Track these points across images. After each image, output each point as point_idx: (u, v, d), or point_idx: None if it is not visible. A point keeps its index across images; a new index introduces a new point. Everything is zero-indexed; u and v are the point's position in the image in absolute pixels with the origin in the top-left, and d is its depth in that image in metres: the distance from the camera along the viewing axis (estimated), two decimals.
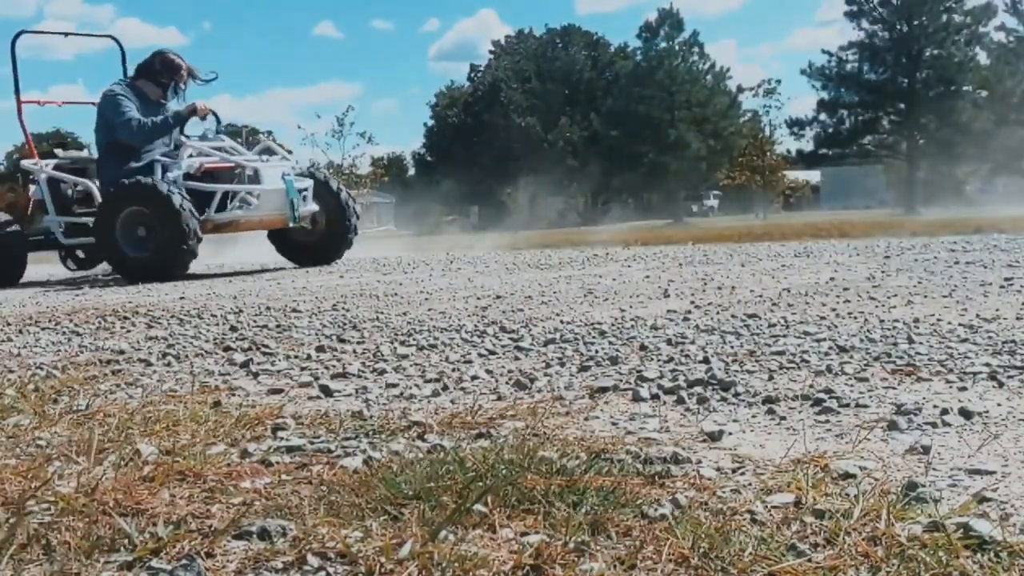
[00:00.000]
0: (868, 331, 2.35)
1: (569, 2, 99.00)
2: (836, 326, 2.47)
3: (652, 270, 5.04)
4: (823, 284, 3.73)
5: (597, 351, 2.24)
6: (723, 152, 46.26)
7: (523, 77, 54.14)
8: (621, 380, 1.88)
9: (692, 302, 3.24)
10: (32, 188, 7.08)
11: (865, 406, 1.56)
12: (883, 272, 4.21)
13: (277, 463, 1.32)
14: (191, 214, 5.97)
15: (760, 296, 3.35)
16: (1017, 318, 2.48)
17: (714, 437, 1.40)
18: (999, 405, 1.54)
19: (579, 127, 51.33)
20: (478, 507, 1.04)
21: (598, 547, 0.94)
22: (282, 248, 7.32)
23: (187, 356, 2.47)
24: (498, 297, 3.74)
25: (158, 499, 1.13)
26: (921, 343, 2.14)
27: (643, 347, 2.27)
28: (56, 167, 6.96)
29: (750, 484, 1.15)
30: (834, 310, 2.83)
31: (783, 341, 2.26)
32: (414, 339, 2.58)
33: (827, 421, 1.49)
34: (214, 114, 6.75)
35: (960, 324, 2.41)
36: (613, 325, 2.68)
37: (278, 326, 3.02)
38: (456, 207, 47.20)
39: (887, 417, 1.47)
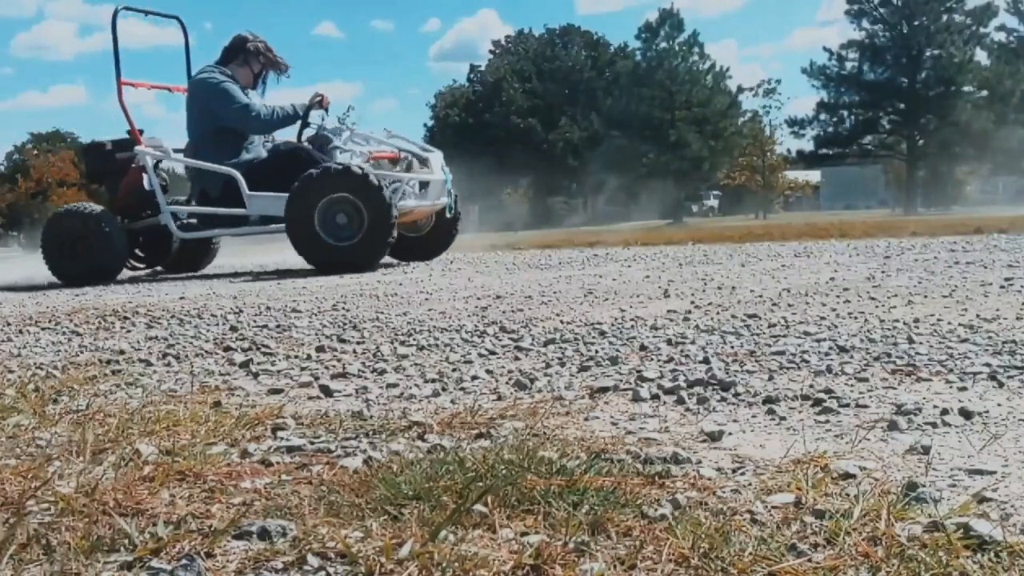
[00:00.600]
0: (868, 331, 2.35)
1: (569, 2, 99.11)
2: (836, 326, 2.47)
3: (652, 270, 5.04)
4: (823, 284, 3.73)
5: (597, 351, 2.24)
6: (723, 152, 46.23)
7: (523, 77, 54.14)
8: (621, 380, 1.88)
9: (692, 302, 3.24)
10: (144, 178, 6.47)
11: (865, 406, 1.56)
12: (883, 272, 4.21)
13: (277, 463, 1.32)
14: (392, 203, 5.78)
15: (760, 296, 3.35)
16: (1017, 318, 2.48)
17: (714, 437, 1.40)
18: (999, 405, 1.54)
19: (579, 127, 51.33)
20: (478, 507, 1.04)
21: (598, 547, 0.94)
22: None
23: (187, 356, 2.47)
24: (498, 297, 3.74)
25: (158, 499, 1.13)
26: (921, 343, 2.14)
27: (643, 347, 2.27)
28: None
29: (750, 484, 1.14)
30: (834, 310, 2.83)
31: (783, 341, 2.26)
32: (414, 339, 2.58)
33: (827, 421, 1.49)
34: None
35: (960, 324, 2.41)
36: (613, 325, 2.68)
37: (278, 326, 3.02)
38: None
39: (887, 417, 1.47)
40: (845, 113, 44.85)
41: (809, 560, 0.89)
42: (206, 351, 2.55)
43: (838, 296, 3.23)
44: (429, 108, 57.66)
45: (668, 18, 45.53)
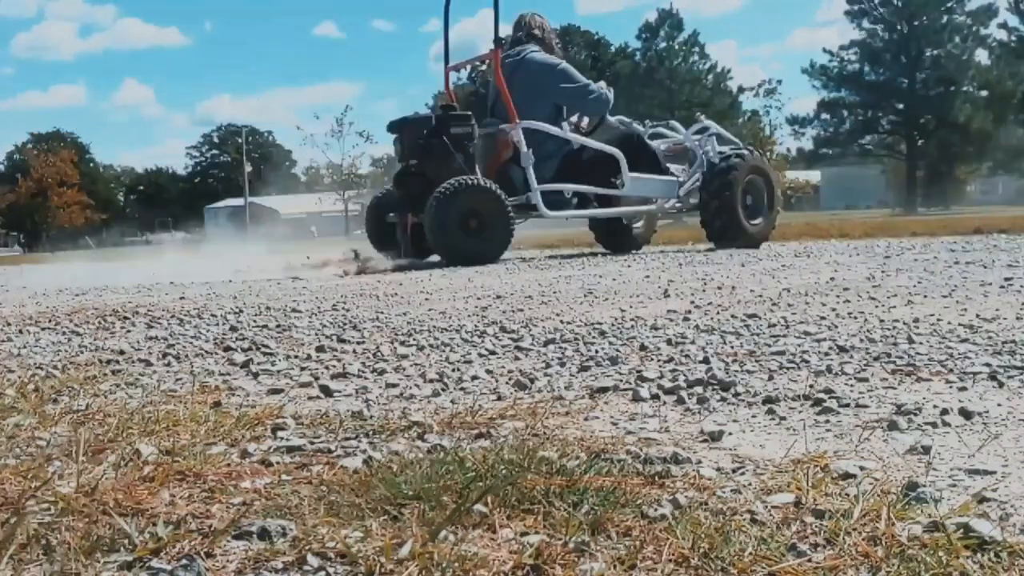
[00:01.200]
0: (868, 331, 2.35)
1: (569, 2, 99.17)
2: (836, 326, 2.47)
3: (652, 270, 5.04)
4: (823, 284, 3.73)
5: (597, 351, 2.24)
6: None
7: None
8: (621, 380, 1.88)
9: (692, 302, 3.24)
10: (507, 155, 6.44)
11: (865, 406, 1.56)
12: (883, 272, 4.21)
13: (277, 463, 1.31)
14: None
15: (760, 296, 3.35)
16: (1017, 318, 2.48)
17: (714, 437, 1.40)
18: (999, 405, 1.54)
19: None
20: (478, 507, 1.04)
21: (598, 547, 0.94)
22: (602, 235, 7.46)
23: (187, 356, 2.47)
24: (498, 297, 3.74)
25: (158, 499, 1.13)
26: (921, 343, 2.14)
27: (643, 347, 2.27)
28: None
29: (750, 484, 1.14)
30: (834, 310, 2.83)
31: (783, 341, 2.26)
32: (414, 339, 2.58)
33: (827, 421, 1.49)
34: None
35: (960, 324, 2.41)
36: (613, 325, 2.68)
37: (278, 326, 3.02)
38: None
39: (887, 417, 1.47)
40: (845, 113, 44.88)
41: (809, 560, 0.89)
42: (206, 351, 2.55)
43: (838, 296, 3.23)
44: (428, 108, 57.58)
45: (668, 18, 45.60)
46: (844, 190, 54.42)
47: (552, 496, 1.07)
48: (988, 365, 1.84)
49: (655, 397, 1.72)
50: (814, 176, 58.00)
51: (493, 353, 2.30)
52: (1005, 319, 2.47)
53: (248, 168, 52.70)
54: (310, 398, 1.86)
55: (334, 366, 2.19)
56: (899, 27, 42.98)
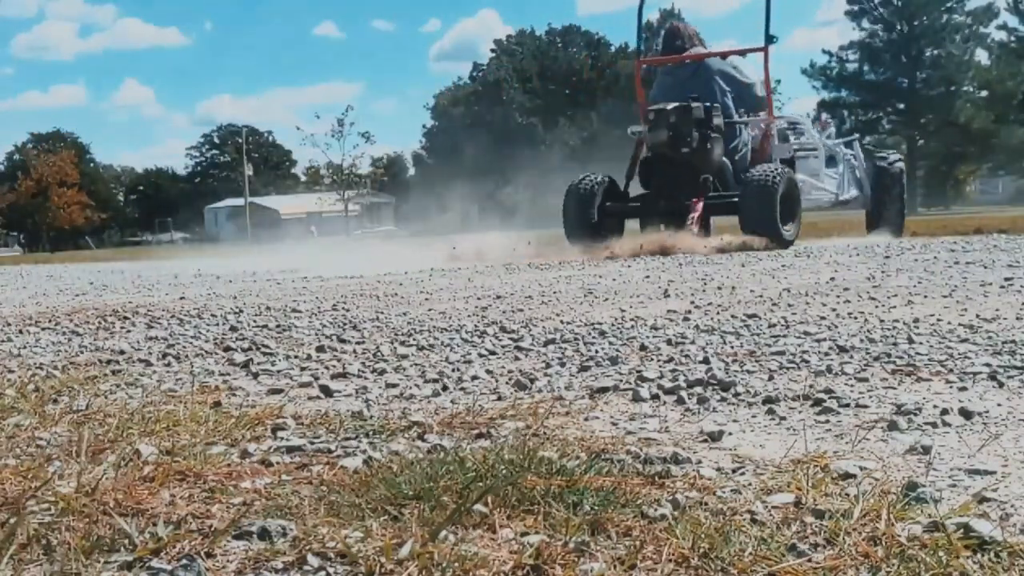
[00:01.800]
0: (868, 331, 2.35)
1: (570, 2, 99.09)
2: (836, 326, 2.47)
3: (652, 270, 5.04)
4: (823, 284, 3.73)
5: (597, 351, 2.23)
6: None
7: (525, 77, 54.11)
8: (621, 380, 1.88)
9: (692, 302, 3.24)
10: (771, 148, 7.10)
11: (865, 406, 1.56)
12: (883, 272, 4.21)
13: (277, 463, 1.31)
14: None
15: (760, 296, 3.35)
16: (1017, 318, 2.48)
17: (714, 437, 1.40)
18: (999, 405, 1.54)
19: (579, 127, 51.28)
20: (478, 507, 1.04)
21: (598, 547, 0.94)
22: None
23: (187, 356, 2.47)
24: (498, 297, 3.74)
25: (158, 499, 1.13)
26: (921, 343, 2.14)
27: (643, 347, 2.27)
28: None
29: (750, 484, 1.14)
30: (834, 310, 2.83)
31: (783, 341, 2.26)
32: (414, 339, 2.58)
33: (827, 421, 1.49)
34: None
35: (960, 324, 2.41)
36: (613, 325, 2.68)
37: (278, 326, 3.02)
38: (456, 206, 47.21)
39: (887, 417, 1.47)
40: (845, 113, 44.88)
41: (809, 560, 0.89)
42: (206, 351, 2.55)
43: (838, 296, 3.23)
44: (429, 108, 57.65)
45: (668, 18, 45.53)
46: None
47: (552, 496, 1.07)
48: (988, 365, 1.84)
49: (655, 397, 1.72)
50: None
51: (493, 353, 2.30)
52: (1005, 319, 2.47)
53: (248, 168, 52.67)
54: (310, 398, 1.86)
55: (334, 366, 2.19)
56: (899, 27, 42.99)
